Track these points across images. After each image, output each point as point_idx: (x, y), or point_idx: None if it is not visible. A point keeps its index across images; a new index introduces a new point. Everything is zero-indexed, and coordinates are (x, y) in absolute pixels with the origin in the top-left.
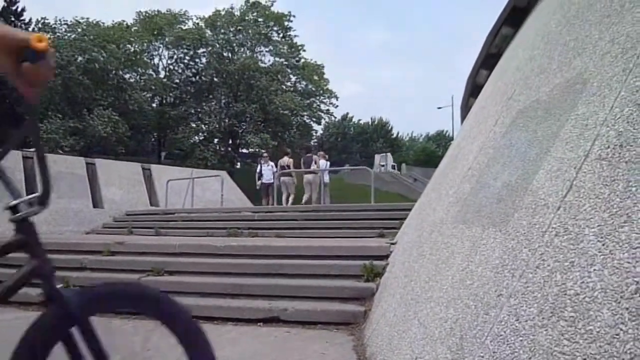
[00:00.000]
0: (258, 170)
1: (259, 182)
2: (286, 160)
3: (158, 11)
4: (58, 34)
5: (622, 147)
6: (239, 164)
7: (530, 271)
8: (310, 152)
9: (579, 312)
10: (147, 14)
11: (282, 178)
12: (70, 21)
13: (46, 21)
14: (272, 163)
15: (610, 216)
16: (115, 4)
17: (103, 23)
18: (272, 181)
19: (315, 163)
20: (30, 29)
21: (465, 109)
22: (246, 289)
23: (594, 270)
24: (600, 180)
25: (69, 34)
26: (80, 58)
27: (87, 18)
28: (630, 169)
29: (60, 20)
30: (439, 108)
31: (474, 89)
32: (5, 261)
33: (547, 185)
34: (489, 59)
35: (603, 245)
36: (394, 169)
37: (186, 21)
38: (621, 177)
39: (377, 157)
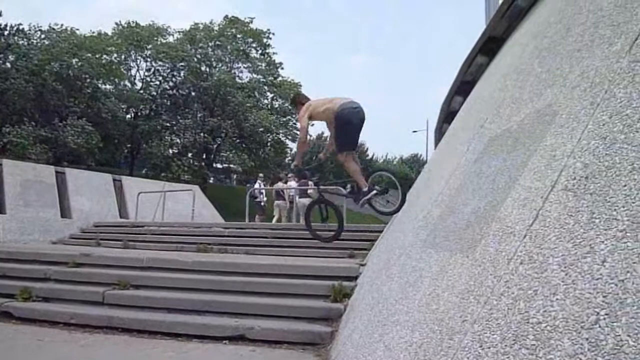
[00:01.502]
0: (257, 187)
1: (259, 200)
2: (281, 185)
3: (137, 23)
4: (32, 40)
5: (587, 179)
6: (212, 179)
7: (495, 298)
8: (305, 178)
9: (540, 341)
10: (128, 25)
11: (276, 201)
12: (46, 28)
13: (20, 27)
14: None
15: (574, 246)
16: (94, 14)
17: (77, 30)
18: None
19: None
20: (6, 34)
21: (439, 133)
22: (213, 305)
23: (557, 299)
24: (565, 211)
25: (43, 41)
26: (54, 64)
27: (62, 24)
28: (595, 201)
29: (34, 26)
30: (414, 132)
31: (448, 114)
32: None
33: (514, 213)
34: (463, 86)
35: (566, 275)
36: None
37: (167, 36)
38: (585, 208)
39: None
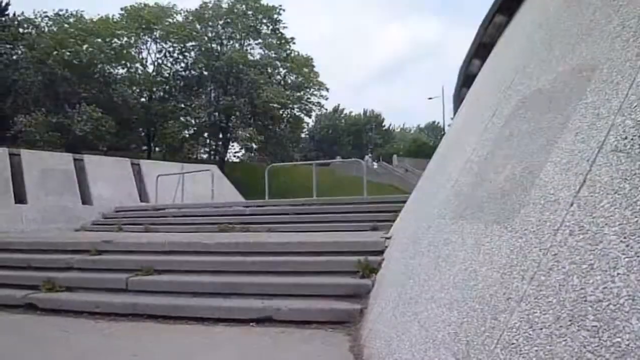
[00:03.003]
0: None
1: None
2: None
3: (145, 5)
4: (41, 27)
5: None
6: (230, 158)
7: (543, 273)
8: None
9: (602, 322)
10: (133, 8)
11: None
12: (53, 15)
13: (28, 17)
14: None
15: (634, 214)
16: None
17: (83, 11)
18: None
19: None
20: (15, 23)
21: (458, 98)
22: (238, 287)
23: (618, 274)
24: (618, 174)
25: (51, 28)
26: (63, 52)
27: (72, 11)
28: None
29: (42, 13)
30: (430, 99)
31: (466, 79)
32: (5, 263)
33: (556, 179)
34: (482, 49)
35: (627, 246)
36: None
37: (174, 15)
38: None
39: None
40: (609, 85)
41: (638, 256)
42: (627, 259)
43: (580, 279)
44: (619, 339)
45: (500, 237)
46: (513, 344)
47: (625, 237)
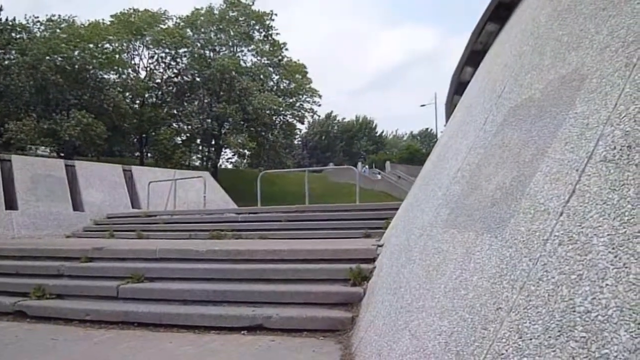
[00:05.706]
0: None
1: None
2: None
3: (135, 10)
4: (32, 32)
5: (630, 148)
6: (222, 164)
7: (532, 283)
8: None
9: (591, 333)
10: (123, 14)
11: None
12: (45, 20)
13: (20, 22)
14: None
15: (622, 225)
16: (104, 3)
17: (75, 17)
18: None
19: None
20: (7, 28)
21: (450, 106)
22: (229, 295)
23: (607, 285)
24: (607, 185)
25: (43, 33)
26: (55, 57)
27: (64, 16)
28: None
29: (34, 19)
30: (422, 106)
31: (458, 86)
32: (5, 270)
33: (546, 188)
34: (473, 56)
35: (615, 257)
36: None
37: (166, 21)
38: (631, 181)
39: None
40: (598, 95)
41: (626, 267)
42: (615, 270)
43: (569, 289)
44: (607, 351)
45: (490, 246)
46: (502, 354)
47: (613, 248)
